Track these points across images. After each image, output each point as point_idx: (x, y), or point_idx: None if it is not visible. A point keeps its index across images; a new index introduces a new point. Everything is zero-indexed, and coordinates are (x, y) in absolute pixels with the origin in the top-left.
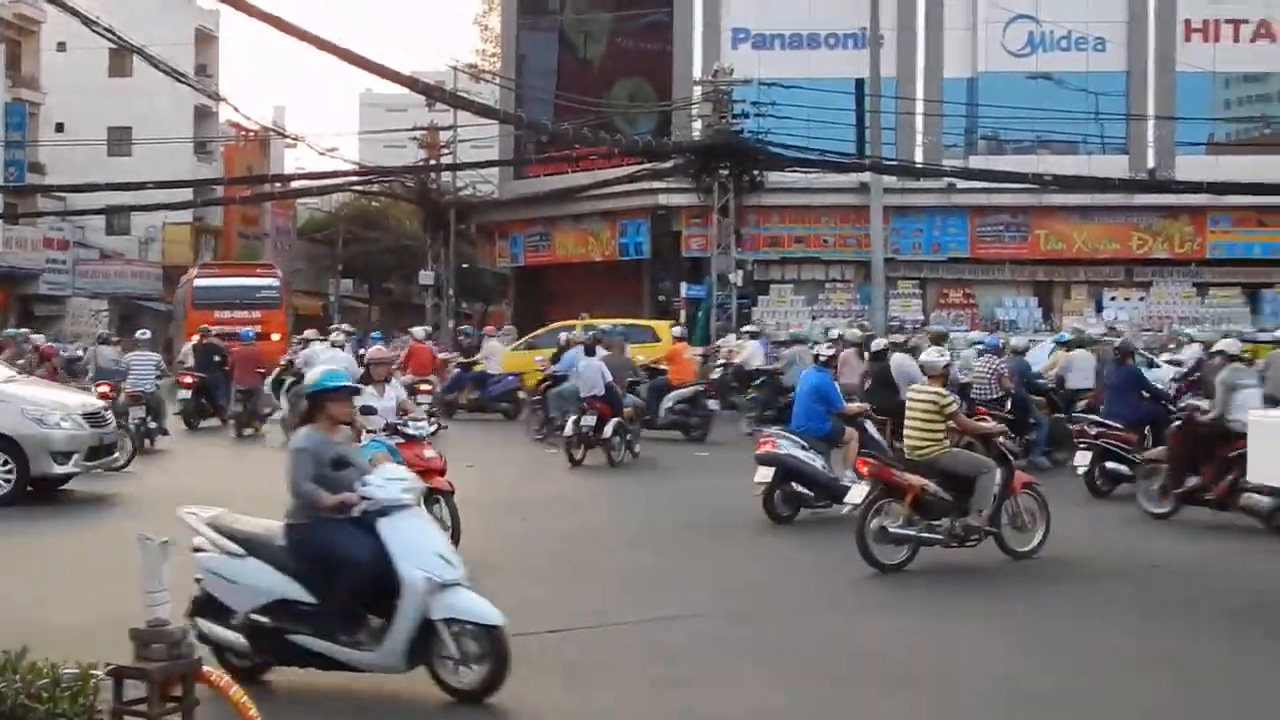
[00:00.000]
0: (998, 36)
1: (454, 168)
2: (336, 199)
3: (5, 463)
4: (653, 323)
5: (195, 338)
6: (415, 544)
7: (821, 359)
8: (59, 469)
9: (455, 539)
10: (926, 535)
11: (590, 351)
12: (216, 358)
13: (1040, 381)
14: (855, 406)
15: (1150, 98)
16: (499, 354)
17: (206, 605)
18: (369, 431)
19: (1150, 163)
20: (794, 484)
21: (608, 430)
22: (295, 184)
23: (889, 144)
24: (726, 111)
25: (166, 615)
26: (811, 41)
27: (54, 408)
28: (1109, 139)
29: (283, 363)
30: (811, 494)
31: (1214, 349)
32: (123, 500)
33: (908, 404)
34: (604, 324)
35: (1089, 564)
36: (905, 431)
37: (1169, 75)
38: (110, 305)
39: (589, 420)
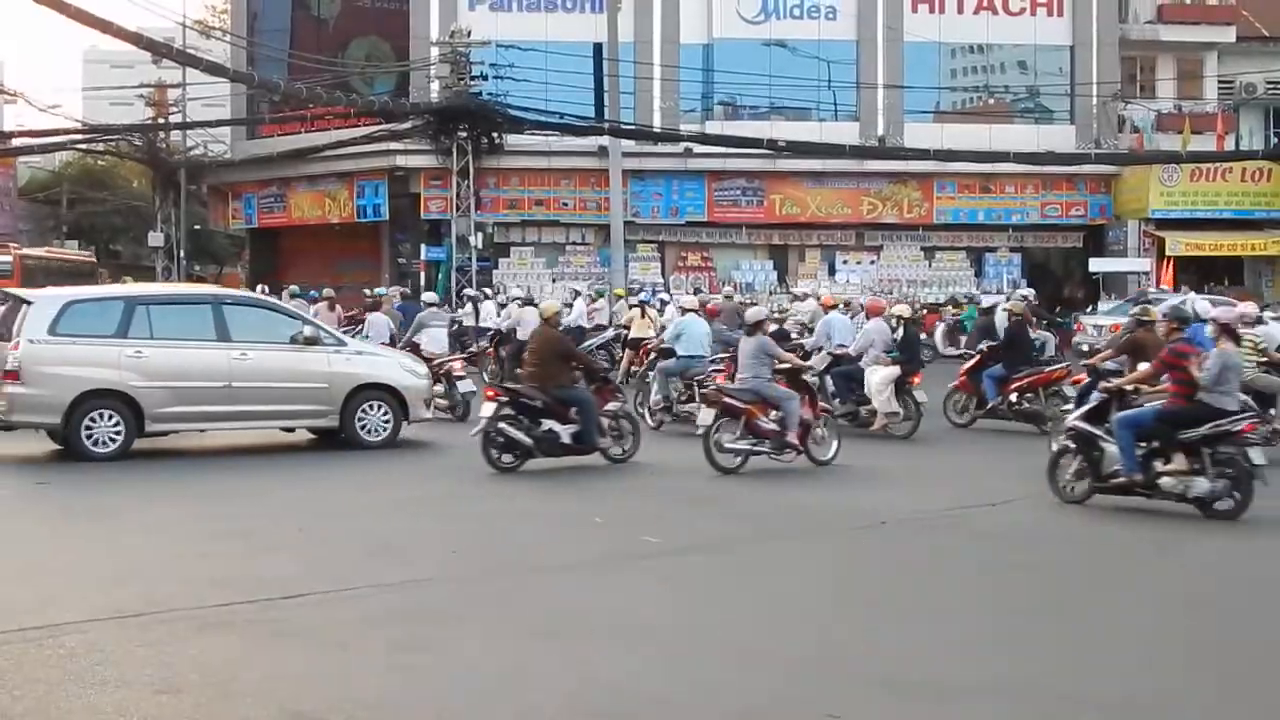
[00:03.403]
0: (733, 3)
1: (184, 126)
2: (60, 158)
3: (385, 411)
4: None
5: None
6: None
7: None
8: (425, 415)
9: None
10: None
11: (375, 308)
12: None
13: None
14: None
15: (880, 66)
16: None
17: None
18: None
19: (880, 130)
20: None
21: None
22: (15, 142)
23: (627, 108)
24: (465, 73)
25: None
26: (549, 4)
27: (416, 361)
28: (841, 106)
29: None
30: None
31: (425, 301)
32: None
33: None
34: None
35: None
36: None
37: (897, 45)
38: None
39: None
